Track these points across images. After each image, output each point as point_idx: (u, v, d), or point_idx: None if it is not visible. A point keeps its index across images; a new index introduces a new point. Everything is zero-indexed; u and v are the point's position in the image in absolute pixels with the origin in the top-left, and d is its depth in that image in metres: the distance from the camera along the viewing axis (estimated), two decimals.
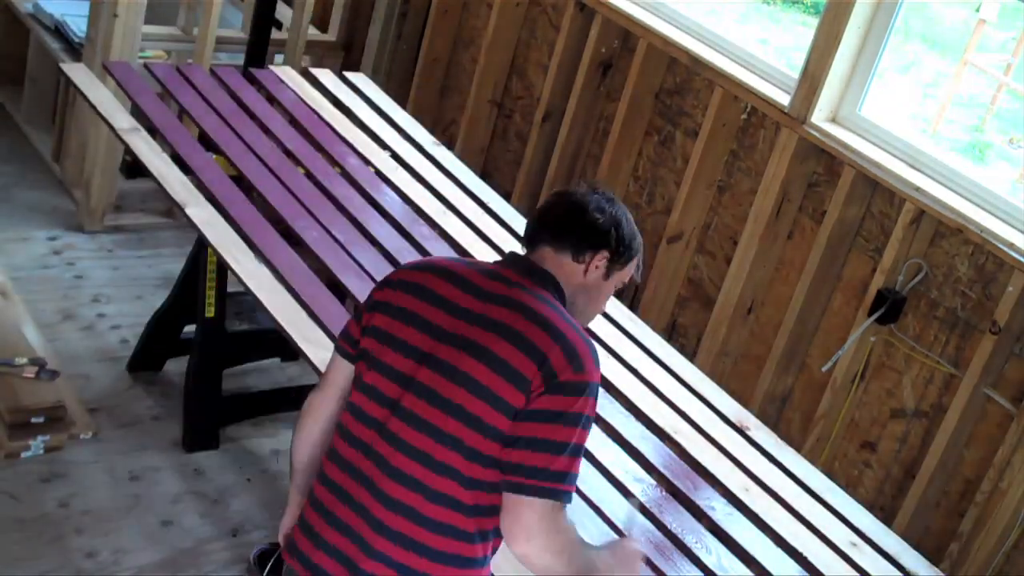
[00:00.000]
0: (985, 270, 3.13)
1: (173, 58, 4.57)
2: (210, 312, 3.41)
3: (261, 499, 3.38)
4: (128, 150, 3.31)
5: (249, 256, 2.94)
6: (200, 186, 3.17)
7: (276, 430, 3.65)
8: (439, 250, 3.20)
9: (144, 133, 3.32)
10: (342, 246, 3.07)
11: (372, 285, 2.92)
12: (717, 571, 2.39)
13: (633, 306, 3.80)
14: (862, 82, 3.43)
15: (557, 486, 1.86)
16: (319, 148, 3.55)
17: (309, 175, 3.39)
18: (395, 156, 3.66)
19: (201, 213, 3.05)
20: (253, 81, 3.83)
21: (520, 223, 3.50)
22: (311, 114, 3.72)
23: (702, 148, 3.72)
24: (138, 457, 3.38)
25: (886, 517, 3.10)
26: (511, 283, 1.98)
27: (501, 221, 3.47)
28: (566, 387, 1.87)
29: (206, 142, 3.43)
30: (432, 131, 3.98)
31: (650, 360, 3.05)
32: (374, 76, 4.56)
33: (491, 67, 4.47)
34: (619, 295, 3.50)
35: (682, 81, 3.91)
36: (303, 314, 2.78)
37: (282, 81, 3.86)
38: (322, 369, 2.60)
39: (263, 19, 4.25)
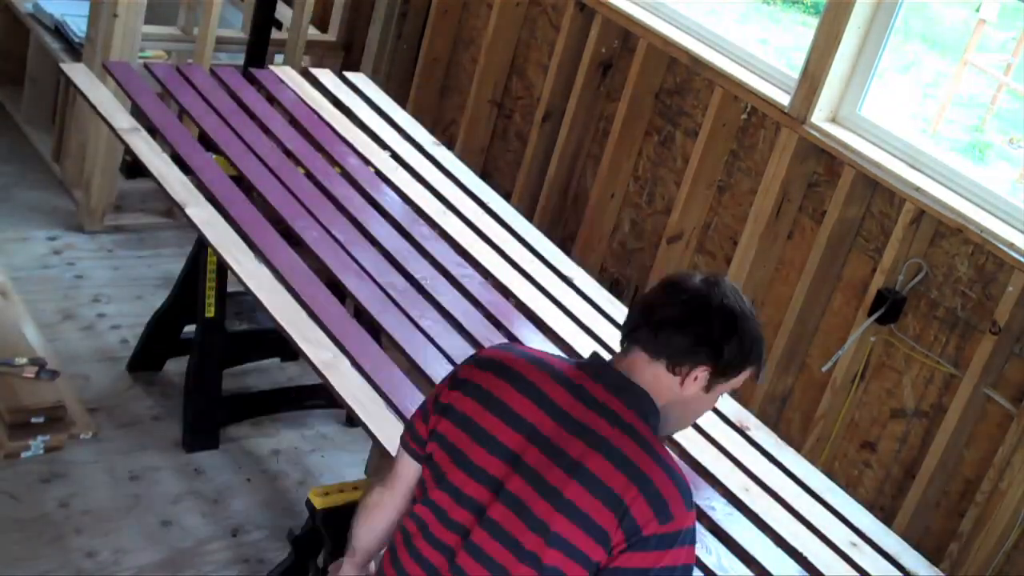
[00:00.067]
0: (985, 270, 3.13)
1: (173, 58, 4.57)
2: (210, 312, 3.41)
3: (261, 499, 3.38)
4: (128, 150, 3.30)
5: (249, 256, 2.94)
6: (200, 186, 3.17)
7: (276, 430, 3.65)
8: (439, 250, 3.19)
9: (144, 133, 3.32)
10: (342, 246, 3.07)
11: (372, 285, 2.94)
12: (717, 571, 2.38)
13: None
14: (862, 82, 3.43)
15: None
16: (319, 148, 3.55)
17: (309, 175, 3.39)
18: (395, 156, 3.66)
19: (201, 213, 3.05)
20: (253, 81, 3.83)
21: (520, 223, 3.50)
22: (311, 114, 3.72)
23: (702, 148, 3.72)
24: (138, 457, 3.38)
25: (886, 517, 3.10)
26: (596, 405, 1.75)
27: (501, 221, 3.47)
28: (652, 541, 1.68)
29: (206, 142, 3.43)
30: (432, 131, 3.98)
31: None
32: (374, 76, 4.56)
33: (491, 67, 4.47)
34: (619, 296, 3.51)
35: (682, 81, 3.91)
36: (303, 314, 2.77)
37: (282, 81, 3.86)
38: (322, 369, 2.61)
39: (263, 19, 4.26)
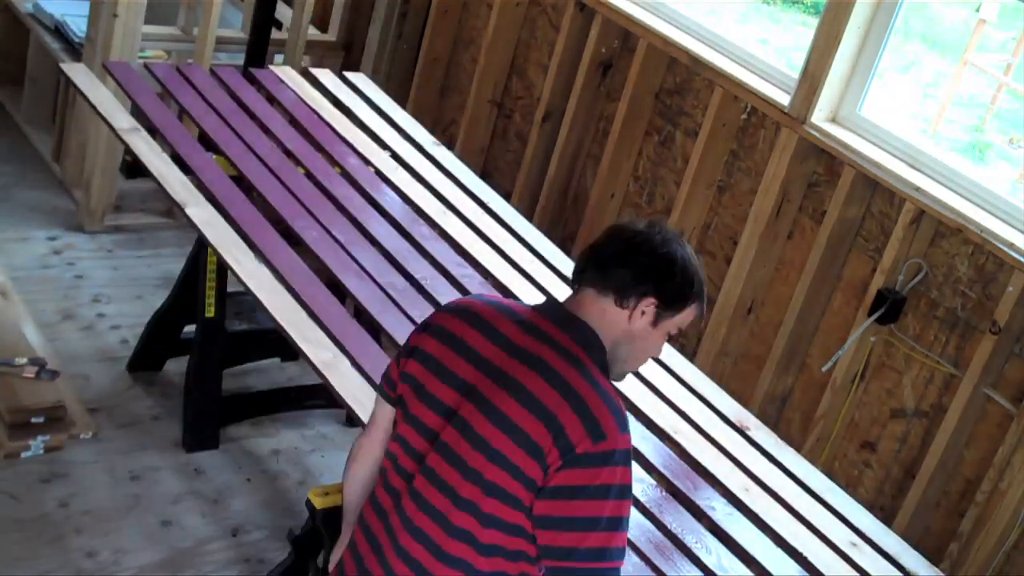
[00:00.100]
0: (985, 270, 3.13)
1: (173, 58, 4.57)
2: (210, 312, 3.41)
3: (261, 499, 3.38)
4: (128, 150, 3.31)
5: (249, 256, 2.94)
6: (200, 186, 3.17)
7: (276, 430, 3.65)
8: (439, 250, 3.20)
9: (144, 133, 3.32)
10: (342, 246, 3.07)
11: (372, 285, 2.94)
12: (717, 571, 2.39)
13: None
14: (862, 82, 3.43)
15: (592, 565, 1.77)
16: (319, 148, 3.55)
17: (309, 175, 3.39)
18: (395, 156, 3.66)
19: (201, 213, 3.05)
20: (253, 81, 3.83)
21: (520, 223, 3.50)
22: (311, 114, 3.72)
23: (702, 148, 3.72)
24: (138, 457, 3.38)
25: (886, 517, 3.10)
26: (542, 336, 1.85)
27: (501, 221, 3.47)
28: (584, 459, 1.75)
29: (206, 142, 3.43)
30: (432, 131, 3.98)
31: (650, 360, 3.05)
32: (374, 76, 4.56)
33: (491, 67, 4.47)
34: None
35: (682, 81, 3.91)
36: (303, 314, 2.78)
37: (282, 81, 3.86)
38: (322, 369, 2.61)
39: (263, 19, 4.26)
